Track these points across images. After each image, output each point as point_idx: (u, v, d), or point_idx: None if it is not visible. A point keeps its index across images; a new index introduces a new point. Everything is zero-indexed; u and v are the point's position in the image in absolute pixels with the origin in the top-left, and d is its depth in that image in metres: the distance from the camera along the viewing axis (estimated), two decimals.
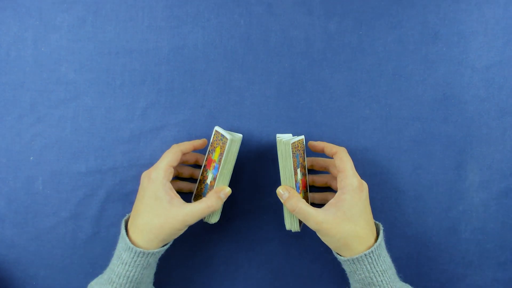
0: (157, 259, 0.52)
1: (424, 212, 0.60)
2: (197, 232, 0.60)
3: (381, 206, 0.60)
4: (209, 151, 0.56)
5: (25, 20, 0.59)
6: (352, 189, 0.49)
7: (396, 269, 0.52)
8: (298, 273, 0.60)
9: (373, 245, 0.49)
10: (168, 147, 0.59)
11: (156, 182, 0.50)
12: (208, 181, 0.54)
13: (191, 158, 0.58)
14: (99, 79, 0.60)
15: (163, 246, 0.51)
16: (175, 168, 0.57)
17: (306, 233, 0.60)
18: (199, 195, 0.56)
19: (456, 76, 0.60)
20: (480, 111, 0.59)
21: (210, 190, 0.54)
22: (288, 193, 0.50)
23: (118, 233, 0.59)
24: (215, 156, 0.54)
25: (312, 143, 0.56)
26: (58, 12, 0.59)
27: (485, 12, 0.59)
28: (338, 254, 0.52)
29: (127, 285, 0.49)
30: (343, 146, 0.54)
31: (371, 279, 0.48)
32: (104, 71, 0.60)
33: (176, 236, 0.51)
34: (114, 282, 0.49)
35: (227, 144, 0.51)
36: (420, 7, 0.60)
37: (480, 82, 0.59)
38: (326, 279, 0.60)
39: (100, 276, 0.53)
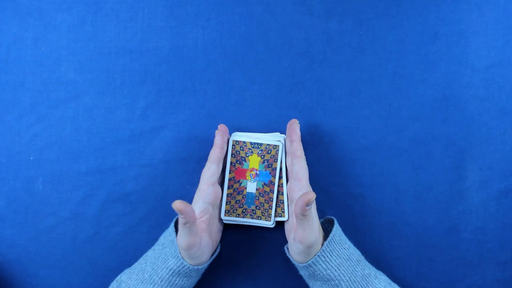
0: (199, 273, 0.53)
1: (424, 212, 0.60)
2: None
3: (381, 206, 0.60)
4: (231, 163, 0.56)
5: (25, 20, 0.59)
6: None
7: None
8: (298, 273, 0.60)
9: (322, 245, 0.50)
10: (168, 147, 0.59)
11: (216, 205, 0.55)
12: (252, 190, 0.56)
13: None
14: (99, 79, 0.60)
15: (211, 257, 0.54)
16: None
17: None
18: (234, 208, 0.56)
19: (456, 76, 0.60)
20: (480, 111, 0.59)
21: (264, 197, 0.56)
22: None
23: (118, 233, 0.59)
24: (252, 164, 0.55)
25: (290, 132, 0.54)
26: (58, 12, 0.59)
27: (485, 12, 0.59)
28: (296, 261, 0.53)
29: None
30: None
31: (329, 275, 0.50)
32: (104, 71, 0.60)
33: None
34: (156, 284, 0.49)
35: (281, 148, 0.55)
36: (420, 7, 0.60)
37: (480, 82, 0.59)
38: None
39: (140, 268, 0.52)
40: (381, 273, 0.53)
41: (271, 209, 0.56)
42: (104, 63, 0.60)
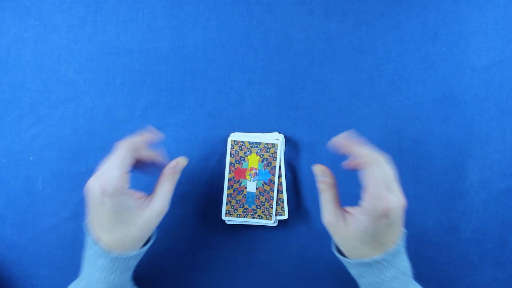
0: (138, 260, 0.50)
1: (424, 212, 0.60)
2: (197, 232, 0.60)
3: None
4: (231, 163, 0.57)
5: (25, 20, 0.59)
6: (373, 215, 0.44)
7: None
8: (298, 273, 0.60)
9: (377, 255, 0.46)
10: (168, 147, 0.59)
11: (115, 196, 0.44)
12: (252, 189, 0.56)
13: (147, 156, 0.51)
14: (99, 79, 0.60)
15: (143, 246, 0.49)
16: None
17: (306, 233, 0.60)
18: (235, 208, 0.57)
19: (456, 76, 0.60)
20: (480, 111, 0.59)
21: (265, 196, 0.57)
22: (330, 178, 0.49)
23: None
24: (252, 163, 0.56)
25: (338, 140, 0.49)
26: (58, 12, 0.59)
27: (485, 12, 0.59)
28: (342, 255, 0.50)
29: None
30: None
31: (377, 283, 0.47)
32: (104, 71, 0.60)
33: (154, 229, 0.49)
34: None
35: (280, 146, 0.56)
36: (420, 7, 0.60)
37: (480, 82, 0.59)
38: (326, 279, 0.60)
39: (76, 282, 0.49)
40: None
41: (272, 208, 0.56)
42: (104, 63, 0.60)
